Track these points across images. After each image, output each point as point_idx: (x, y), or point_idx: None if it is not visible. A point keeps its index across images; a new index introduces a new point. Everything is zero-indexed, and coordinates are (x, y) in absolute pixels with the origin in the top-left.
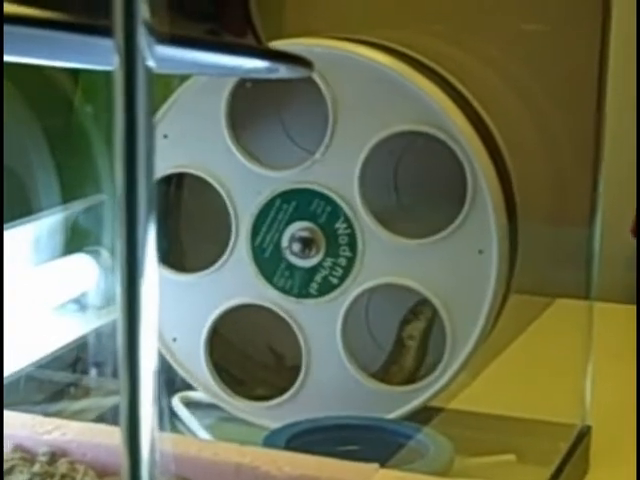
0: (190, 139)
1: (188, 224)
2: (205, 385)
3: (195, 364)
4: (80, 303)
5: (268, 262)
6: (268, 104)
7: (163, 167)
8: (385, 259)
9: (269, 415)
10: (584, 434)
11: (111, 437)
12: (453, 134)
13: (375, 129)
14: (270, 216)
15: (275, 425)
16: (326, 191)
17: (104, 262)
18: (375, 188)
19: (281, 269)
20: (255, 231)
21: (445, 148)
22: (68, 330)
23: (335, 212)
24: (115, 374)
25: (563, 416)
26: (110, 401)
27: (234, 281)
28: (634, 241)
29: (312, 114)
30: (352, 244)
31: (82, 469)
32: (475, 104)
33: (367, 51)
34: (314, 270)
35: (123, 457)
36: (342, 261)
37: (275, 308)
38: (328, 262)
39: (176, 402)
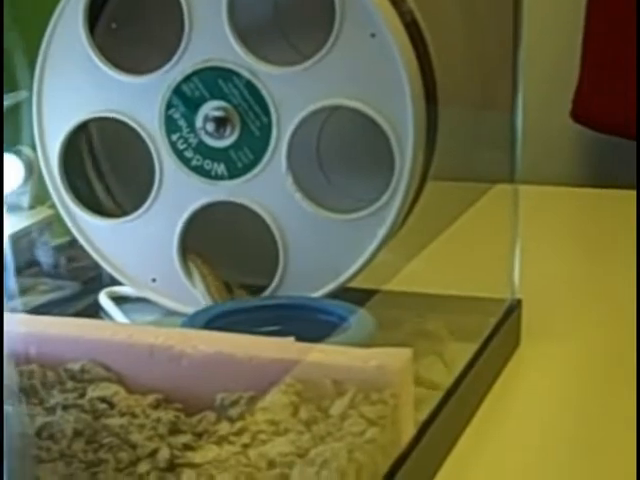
0: None
1: None
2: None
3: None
4: (7, 203)
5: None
6: None
7: None
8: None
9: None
10: (514, 307)
11: (38, 328)
12: None
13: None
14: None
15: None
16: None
17: (27, 160)
18: None
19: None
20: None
21: None
22: None
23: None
24: (47, 274)
25: (492, 291)
26: (40, 299)
27: None
28: (570, 123)
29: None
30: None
31: None
32: None
33: None
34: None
35: None
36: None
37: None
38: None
39: (103, 297)
